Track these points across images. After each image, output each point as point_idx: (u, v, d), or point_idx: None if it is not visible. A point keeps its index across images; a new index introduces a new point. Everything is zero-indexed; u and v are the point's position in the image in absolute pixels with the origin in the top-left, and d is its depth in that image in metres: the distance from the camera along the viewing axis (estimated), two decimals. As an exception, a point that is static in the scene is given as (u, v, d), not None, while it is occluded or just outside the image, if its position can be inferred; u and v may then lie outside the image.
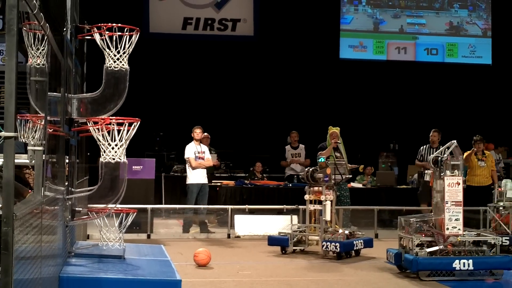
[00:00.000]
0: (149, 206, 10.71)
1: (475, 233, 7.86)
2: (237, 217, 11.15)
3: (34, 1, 3.55)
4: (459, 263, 7.30)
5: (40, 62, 4.36)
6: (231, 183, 12.88)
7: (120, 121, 5.38)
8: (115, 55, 5.55)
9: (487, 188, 11.06)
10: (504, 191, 9.44)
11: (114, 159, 5.40)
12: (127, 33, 5.56)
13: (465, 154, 11.35)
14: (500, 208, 9.42)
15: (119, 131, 5.36)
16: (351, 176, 10.94)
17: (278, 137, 15.58)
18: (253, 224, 11.14)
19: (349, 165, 11.15)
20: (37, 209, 3.73)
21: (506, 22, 18.76)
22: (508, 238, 9.09)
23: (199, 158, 11.32)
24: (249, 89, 17.62)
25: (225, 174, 14.59)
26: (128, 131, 5.39)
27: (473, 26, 19.12)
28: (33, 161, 4.07)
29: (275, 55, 17.84)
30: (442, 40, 18.98)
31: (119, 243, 5.95)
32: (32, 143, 4.42)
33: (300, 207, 10.70)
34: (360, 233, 9.47)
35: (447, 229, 7.48)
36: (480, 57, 19.03)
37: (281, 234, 9.37)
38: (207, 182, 11.56)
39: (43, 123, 4.33)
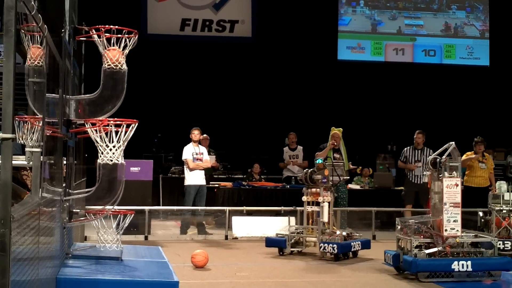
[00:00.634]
0: (146, 208, 10.69)
1: (473, 234, 7.87)
2: (234, 219, 11.15)
3: (32, 3, 3.55)
4: (458, 265, 7.30)
5: (38, 63, 4.35)
6: (229, 184, 12.87)
7: (118, 122, 5.38)
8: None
9: (485, 190, 11.07)
10: (501, 194, 9.41)
11: (111, 160, 5.40)
12: (125, 35, 5.56)
13: (466, 156, 11.34)
14: (504, 211, 9.30)
15: (117, 132, 5.36)
16: (348, 177, 10.95)
17: (276, 138, 15.59)
18: (251, 226, 11.13)
19: (352, 166, 11.17)
20: (34, 211, 3.73)
21: (504, 23, 18.79)
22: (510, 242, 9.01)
23: (197, 159, 11.32)
24: (247, 91, 17.62)
25: (223, 176, 14.60)
26: (126, 132, 5.39)
27: (471, 27, 19.14)
28: (31, 163, 4.06)
29: (273, 57, 17.85)
30: (440, 42, 18.99)
31: (117, 244, 5.94)
32: (30, 144, 4.42)
33: (298, 208, 10.70)
34: (357, 234, 9.47)
35: (446, 230, 7.48)
36: (478, 58, 19.04)
37: (278, 235, 9.36)
38: (205, 183, 11.56)
39: (41, 124, 4.33)
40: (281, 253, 9.18)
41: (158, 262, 6.11)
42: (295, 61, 17.94)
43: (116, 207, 5.77)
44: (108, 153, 5.37)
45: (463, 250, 7.53)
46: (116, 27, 5.54)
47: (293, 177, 12.77)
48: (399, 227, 7.83)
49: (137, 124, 5.44)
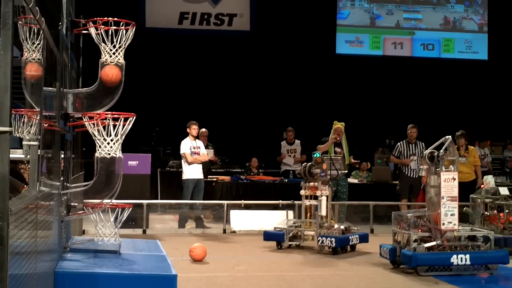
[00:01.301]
0: (144, 201, 10.70)
1: (469, 228, 7.90)
2: (233, 212, 11.16)
3: (30, -5, 3.53)
4: (457, 258, 7.32)
5: (36, 56, 4.34)
6: (227, 178, 12.88)
7: (116, 116, 5.37)
8: (111, 50, 5.54)
9: (469, 184, 10.99)
10: (496, 189, 9.40)
11: (109, 154, 5.39)
12: (123, 27, 5.55)
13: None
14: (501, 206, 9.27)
15: (114, 126, 5.35)
16: (346, 171, 10.94)
17: (274, 132, 15.59)
18: (249, 219, 11.15)
19: (353, 160, 11.15)
20: (32, 204, 3.72)
21: (503, 17, 18.78)
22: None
23: (195, 153, 11.32)
24: (245, 84, 17.61)
25: (221, 170, 14.60)
26: (123, 126, 5.38)
27: (469, 21, 19.13)
28: (28, 156, 4.06)
29: (272, 50, 17.83)
30: (439, 36, 18.99)
31: (115, 238, 5.94)
32: (27, 138, 4.41)
33: (296, 202, 10.70)
34: (355, 228, 9.48)
35: (443, 224, 7.49)
36: (476, 52, 19.05)
37: (276, 229, 9.37)
38: (203, 177, 11.56)
39: (38, 118, 4.32)
40: (279, 246, 9.20)
41: (156, 255, 6.11)
42: (294, 55, 17.93)
43: (114, 200, 5.77)
44: (106, 146, 5.37)
45: (461, 243, 7.54)
46: (114, 19, 5.52)
47: (291, 171, 12.77)
48: (394, 221, 7.84)
49: (135, 117, 5.43)
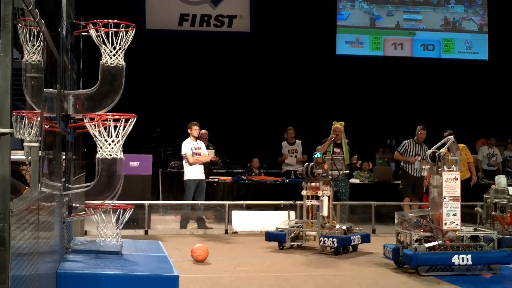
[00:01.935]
0: (146, 202, 10.70)
1: (472, 228, 7.88)
2: (234, 213, 11.15)
3: (29, -3, 3.54)
4: (458, 258, 7.31)
5: (36, 58, 4.34)
6: (228, 179, 12.88)
7: (117, 117, 5.37)
8: (111, 51, 5.55)
9: (464, 182, 10.96)
10: (505, 189, 9.36)
11: (110, 155, 5.39)
12: (123, 29, 5.55)
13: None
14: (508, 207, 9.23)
15: (115, 127, 5.35)
16: (348, 172, 10.94)
17: (275, 133, 15.58)
18: (251, 220, 11.14)
19: (354, 160, 11.15)
20: (33, 205, 3.72)
21: (502, 17, 18.78)
22: None
23: (196, 154, 11.33)
24: (246, 85, 17.62)
25: (223, 170, 14.60)
26: (124, 127, 5.38)
27: (469, 22, 19.14)
28: (30, 158, 4.06)
29: (272, 52, 17.83)
30: (439, 36, 18.99)
31: (117, 239, 5.94)
32: (28, 139, 4.41)
33: (298, 202, 10.71)
34: (357, 228, 9.47)
35: (445, 224, 7.49)
36: (477, 53, 19.05)
37: (278, 229, 9.37)
38: (204, 178, 11.57)
39: (39, 119, 4.32)
40: (281, 247, 9.19)
41: (158, 256, 6.11)
42: (294, 56, 17.93)
43: (115, 201, 5.77)
44: (107, 147, 5.37)
45: (463, 243, 7.53)
46: (114, 21, 5.53)
47: (292, 171, 12.77)
48: (398, 221, 7.83)
49: (135, 118, 5.43)
